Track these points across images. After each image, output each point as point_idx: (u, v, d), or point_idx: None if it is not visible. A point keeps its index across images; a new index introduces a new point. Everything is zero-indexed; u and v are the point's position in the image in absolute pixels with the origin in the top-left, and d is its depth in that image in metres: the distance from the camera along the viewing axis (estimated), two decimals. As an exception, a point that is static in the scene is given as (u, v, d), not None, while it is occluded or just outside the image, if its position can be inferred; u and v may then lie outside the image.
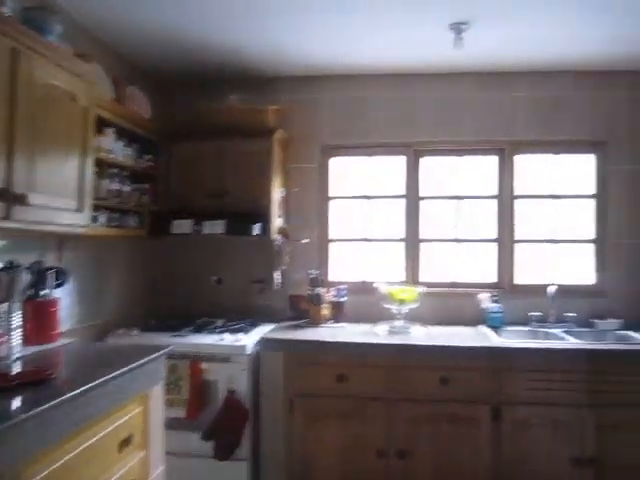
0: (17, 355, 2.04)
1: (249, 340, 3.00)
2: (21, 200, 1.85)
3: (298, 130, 3.66)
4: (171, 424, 2.65)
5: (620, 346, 3.00)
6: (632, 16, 2.77)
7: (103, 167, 2.77)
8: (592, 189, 3.64)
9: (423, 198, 3.71)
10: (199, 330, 3.19)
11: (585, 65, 3.46)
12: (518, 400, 2.86)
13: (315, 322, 3.43)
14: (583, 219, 3.66)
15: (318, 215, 3.73)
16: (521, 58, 3.35)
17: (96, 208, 2.64)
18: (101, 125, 2.69)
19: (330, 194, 3.78)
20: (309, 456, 2.95)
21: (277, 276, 3.55)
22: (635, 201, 3.53)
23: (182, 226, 3.29)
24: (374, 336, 3.13)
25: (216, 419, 2.85)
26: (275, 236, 3.42)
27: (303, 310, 3.52)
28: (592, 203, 3.63)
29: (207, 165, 3.32)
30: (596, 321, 3.42)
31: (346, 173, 3.81)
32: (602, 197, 3.60)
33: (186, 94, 3.68)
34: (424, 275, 3.70)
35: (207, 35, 3.06)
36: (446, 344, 2.95)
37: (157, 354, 2.22)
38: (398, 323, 3.32)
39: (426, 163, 3.72)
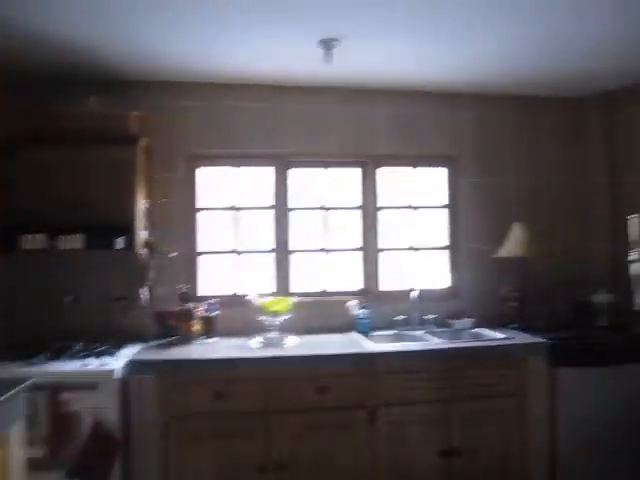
0: None
1: (117, 363, 2.78)
2: None
3: (164, 138, 3.49)
4: (31, 465, 2.35)
5: (474, 343, 3.28)
6: (470, 48, 3.09)
7: None
8: (445, 200, 3.95)
9: (292, 209, 3.74)
10: (57, 356, 2.88)
11: (437, 87, 3.77)
12: (391, 401, 2.99)
13: (186, 339, 3.28)
14: (438, 228, 3.96)
15: (186, 227, 3.59)
16: (382, 76, 3.54)
17: None
18: None
19: (198, 205, 3.65)
20: (188, 480, 2.82)
21: (143, 292, 3.34)
22: (480, 210, 3.91)
23: (34, 241, 2.96)
24: (248, 350, 3.08)
25: (82, 454, 2.59)
26: (140, 250, 3.21)
27: (172, 327, 3.35)
28: (445, 213, 3.95)
29: (63, 174, 3.02)
30: (452, 321, 3.71)
31: (215, 184, 3.71)
32: (453, 207, 3.93)
33: (41, 94, 3.29)
34: (295, 285, 3.73)
35: (60, 29, 2.77)
36: (320, 353, 3.00)
37: (14, 390, 1.95)
38: (272, 335, 3.30)
39: (294, 175, 3.76)
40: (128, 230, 3.09)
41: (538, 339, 3.25)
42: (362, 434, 2.94)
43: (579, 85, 3.83)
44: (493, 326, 3.63)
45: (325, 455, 2.91)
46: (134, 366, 2.82)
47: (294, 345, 3.18)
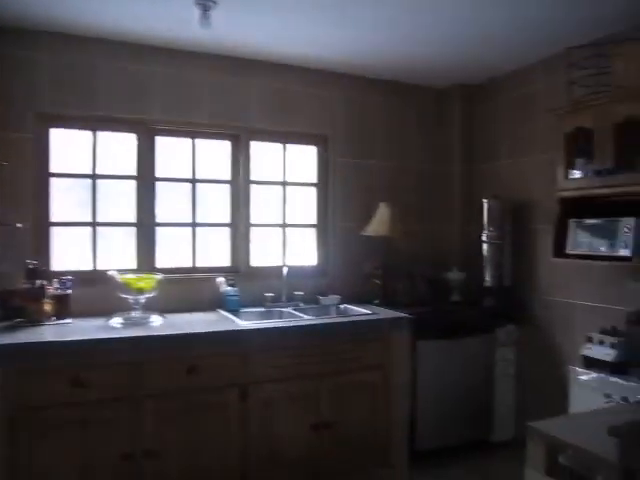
0: None
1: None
2: None
3: (9, 91, 3.05)
4: None
5: (341, 319, 3.35)
6: (346, 28, 3.12)
7: None
8: (314, 178, 3.97)
9: (159, 179, 3.51)
10: None
11: (312, 63, 3.75)
12: (262, 379, 2.95)
13: (34, 321, 2.93)
14: (309, 205, 3.97)
15: (36, 194, 3.19)
16: (258, 47, 3.44)
17: None
18: None
19: (51, 170, 3.26)
20: (41, 478, 2.53)
21: (-18, 268, 2.93)
22: (349, 190, 3.99)
23: None
24: (109, 330, 2.84)
25: None
26: (-21, 220, 2.80)
27: (18, 308, 2.97)
28: (315, 191, 3.97)
29: None
30: (320, 298, 3.76)
31: (72, 148, 3.34)
32: (323, 186, 3.96)
33: None
34: (161, 261, 3.52)
35: None
36: (189, 332, 2.86)
37: None
38: (136, 314, 3.08)
39: (162, 143, 3.52)
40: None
41: (400, 314, 3.41)
42: (234, 414, 2.87)
43: (442, 76, 4.07)
44: (359, 302, 3.76)
45: (197, 438, 2.79)
46: (-26, 353, 2.45)
47: (160, 325, 3.00)
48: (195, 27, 2.80)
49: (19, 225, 3.05)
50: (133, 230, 3.46)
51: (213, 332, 2.89)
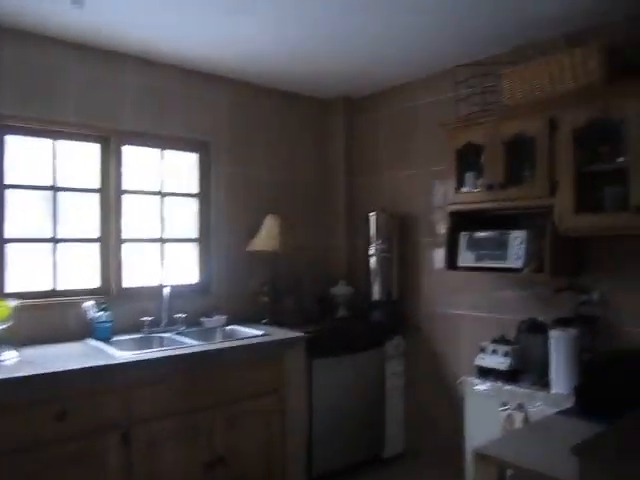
0: None
1: None
2: None
3: None
4: None
5: (231, 343, 3.03)
6: (237, 28, 2.90)
7: None
8: (195, 188, 3.63)
9: (9, 187, 2.94)
10: None
11: (195, 64, 3.43)
12: (146, 417, 2.57)
13: None
14: (188, 218, 3.62)
15: None
16: (135, 38, 3.03)
17: None
18: None
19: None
20: None
21: None
22: (233, 202, 3.71)
23: None
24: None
25: None
26: None
27: None
28: (195, 202, 3.64)
29: None
30: (204, 319, 3.43)
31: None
32: (204, 196, 3.64)
33: None
34: (12, 284, 2.93)
35: None
36: (55, 370, 2.36)
37: None
38: (-18, 350, 2.51)
39: (12, 143, 2.96)
40: None
41: (294, 334, 3.21)
42: (115, 461, 2.44)
43: (327, 88, 3.98)
44: (246, 322, 3.50)
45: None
46: None
47: (15, 362, 2.47)
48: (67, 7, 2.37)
49: None
50: (-25, 247, 2.86)
51: (84, 368, 2.42)
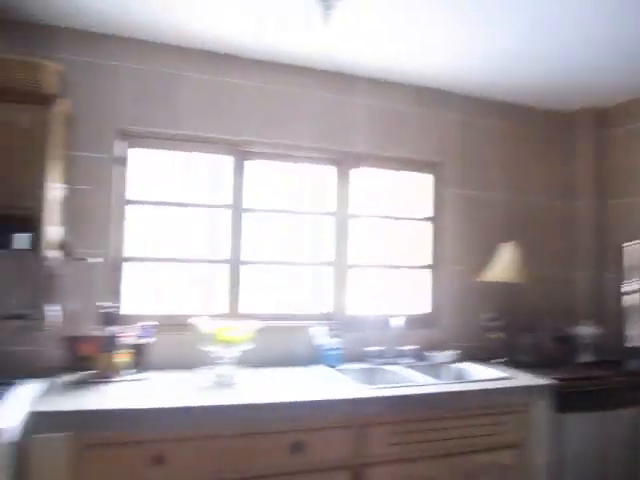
0: None
1: (9, 418, 1.88)
2: None
3: (86, 105, 2.63)
4: None
5: (469, 385, 2.68)
6: (482, 43, 2.65)
7: None
8: (430, 212, 3.40)
9: (247, 210, 3.00)
10: None
11: (426, 81, 3.24)
12: (379, 459, 2.35)
13: (106, 375, 2.42)
14: (417, 243, 3.40)
15: (112, 225, 2.71)
16: (370, 62, 2.94)
17: None
18: None
19: (129, 197, 2.80)
20: None
21: (50, 309, 2.44)
22: (465, 226, 3.40)
23: None
24: (194, 392, 2.29)
25: None
26: (49, 252, 2.32)
27: (87, 358, 2.48)
28: (427, 226, 3.40)
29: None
30: (431, 354, 3.14)
31: (147, 171, 2.88)
32: (437, 221, 3.38)
33: None
34: (246, 306, 2.97)
35: None
36: (299, 399, 2.27)
37: None
38: (222, 370, 2.53)
39: (252, 167, 3.03)
40: (33, 224, 2.20)
41: (540, 380, 2.76)
42: (346, 503, 2.27)
43: (570, 98, 3.48)
44: (476, 360, 3.13)
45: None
46: (34, 420, 1.93)
47: (253, 386, 2.44)
48: (300, 35, 2.35)
49: (94, 260, 2.58)
50: (222, 268, 2.95)
51: (329, 400, 2.30)
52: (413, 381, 2.71)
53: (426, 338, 3.22)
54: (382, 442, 2.36)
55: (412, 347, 3.09)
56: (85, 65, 2.64)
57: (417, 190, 3.40)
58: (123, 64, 2.73)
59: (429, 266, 3.37)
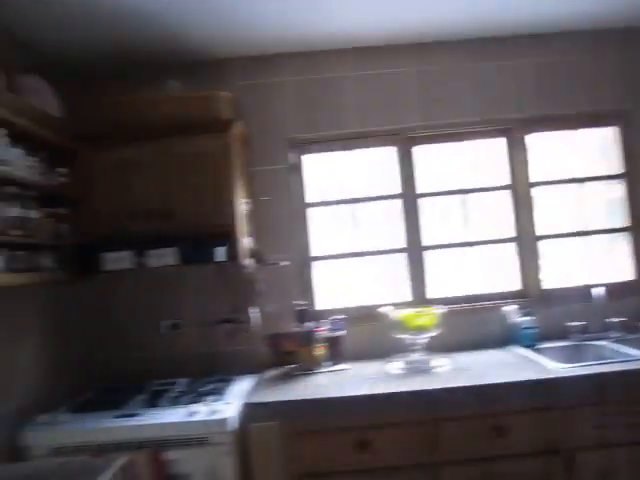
0: None
1: (228, 409, 2.15)
2: None
3: (259, 123, 2.87)
4: None
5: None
6: None
7: (-7, 185, 1.88)
8: (619, 168, 3.04)
9: (422, 195, 2.99)
10: (154, 401, 2.30)
11: (597, 23, 2.88)
12: (588, 443, 2.17)
13: (307, 367, 2.62)
14: (606, 205, 3.06)
15: (295, 228, 2.93)
16: (524, 17, 2.72)
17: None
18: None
19: (307, 200, 2.98)
20: None
21: (252, 312, 2.72)
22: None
23: (119, 260, 2.40)
24: (393, 380, 2.36)
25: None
26: (245, 260, 2.59)
27: (289, 353, 2.71)
28: (620, 184, 3.04)
29: (144, 175, 2.44)
30: (645, 325, 2.80)
31: (322, 173, 3.03)
32: (632, 176, 3.01)
33: (108, 86, 2.77)
34: (432, 291, 2.97)
35: (126, 5, 2.24)
36: (492, 382, 2.21)
37: (105, 476, 1.37)
38: (415, 357, 2.57)
39: (419, 153, 3.01)
40: (229, 238, 2.47)
41: None
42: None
43: None
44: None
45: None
46: (251, 411, 2.18)
47: (448, 371, 2.43)
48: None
49: (284, 263, 2.80)
50: (400, 257, 2.99)
51: (523, 382, 2.20)
52: (627, 356, 2.45)
53: (633, 308, 2.88)
54: (587, 424, 2.18)
55: (619, 319, 2.79)
56: (252, 87, 2.88)
57: (599, 147, 3.05)
58: (285, 78, 2.92)
59: (626, 228, 3.00)
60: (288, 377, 2.55)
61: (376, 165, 3.02)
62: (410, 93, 2.94)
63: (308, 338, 2.64)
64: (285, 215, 2.90)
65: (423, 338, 2.57)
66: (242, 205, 2.62)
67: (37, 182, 2.15)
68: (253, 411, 2.17)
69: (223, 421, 2.07)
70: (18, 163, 2.02)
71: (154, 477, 2.03)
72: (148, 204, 2.43)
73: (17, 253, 2.00)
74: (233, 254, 2.47)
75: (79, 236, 2.41)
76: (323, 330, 2.70)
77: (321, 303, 2.94)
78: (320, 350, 2.66)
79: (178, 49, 2.74)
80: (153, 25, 2.48)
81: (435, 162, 3.01)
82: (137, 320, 2.82)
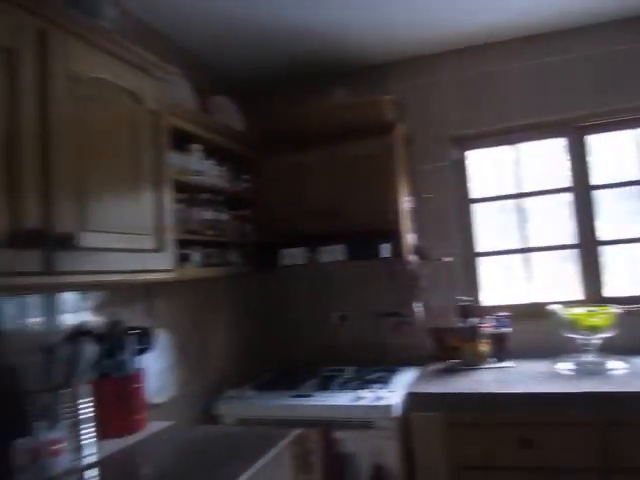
0: (90, 460, 1.47)
1: (393, 397, 2.27)
2: (67, 242, 1.28)
3: (422, 122, 2.94)
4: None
5: None
6: None
7: (192, 193, 2.23)
8: None
9: (596, 187, 2.82)
10: (326, 385, 2.51)
11: None
12: None
13: (471, 363, 2.64)
14: None
15: (459, 224, 2.95)
16: None
17: (185, 244, 2.09)
18: (183, 141, 2.14)
19: (471, 196, 2.99)
20: None
21: (416, 306, 2.81)
22: None
23: (294, 256, 2.66)
24: (561, 380, 2.28)
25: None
26: (409, 257, 2.69)
27: (452, 348, 2.74)
28: None
29: (314, 178, 2.67)
30: None
31: (485, 168, 3.01)
32: None
33: (280, 98, 3.08)
34: (611, 289, 2.78)
35: (293, 21, 2.48)
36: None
37: (281, 444, 1.58)
38: (587, 358, 2.45)
39: (592, 142, 2.83)
40: (393, 235, 2.59)
41: None
42: None
43: None
44: None
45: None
46: (414, 400, 2.28)
47: (624, 374, 2.27)
48: None
49: (447, 259, 2.85)
50: (570, 253, 2.85)
51: None
52: None
53: None
54: None
55: None
56: (412, 88, 2.96)
57: None
58: (444, 77, 2.95)
59: None
60: (451, 371, 2.60)
61: (542, 157, 2.91)
62: (579, 79, 2.76)
63: (472, 334, 2.66)
64: (448, 211, 2.93)
65: (596, 339, 2.43)
66: (405, 203, 2.72)
67: (225, 188, 2.49)
68: (416, 400, 2.27)
69: (388, 407, 2.20)
70: (210, 173, 2.36)
71: (325, 452, 2.24)
72: (318, 205, 2.64)
73: (210, 250, 2.35)
74: (397, 250, 2.58)
75: (260, 235, 2.72)
76: (488, 326, 2.69)
77: (486, 299, 2.92)
78: (484, 346, 2.66)
79: (341, 59, 2.93)
80: (319, 39, 2.69)
81: (609, 151, 2.81)
82: (310, 310, 3.08)
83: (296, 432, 1.73)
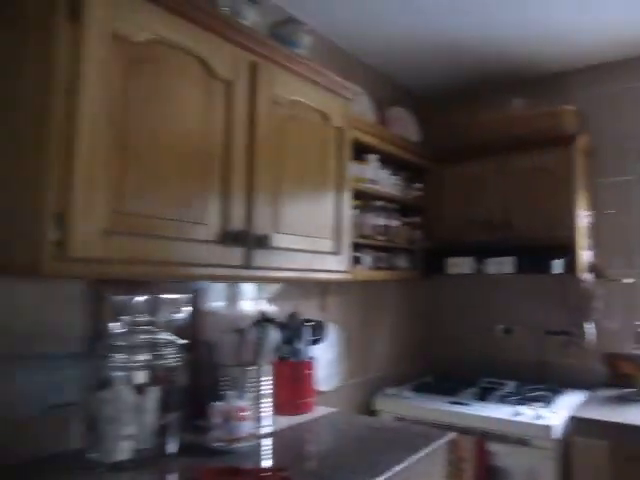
0: (266, 430, 1.70)
1: (555, 418, 2.22)
2: (263, 242, 1.52)
3: (607, 134, 2.78)
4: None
5: None
6: None
7: (366, 200, 2.40)
8: None
9: None
10: (484, 396, 2.52)
11: None
12: None
13: (647, 394, 2.45)
14: None
15: (643, 244, 2.75)
16: None
17: (358, 247, 2.26)
18: (361, 152, 2.32)
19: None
20: None
21: (588, 327, 2.68)
22: None
23: (460, 265, 2.70)
24: None
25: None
26: (583, 274, 2.58)
27: (625, 375, 2.57)
28: None
29: (485, 189, 2.69)
30: None
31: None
32: None
33: (455, 108, 3.12)
34: None
35: (470, 34, 2.51)
36: None
37: (437, 443, 1.67)
38: None
39: None
40: (567, 250, 2.50)
41: None
42: None
43: None
44: None
45: None
46: (578, 425, 2.19)
47: None
48: None
49: (628, 280, 2.67)
50: None
51: None
52: None
53: None
54: None
55: None
56: (596, 97, 2.81)
57: None
58: (633, 85, 2.75)
59: None
60: (624, 399, 2.44)
61: None
62: None
63: (651, 362, 2.47)
64: (632, 229, 2.73)
65: None
66: (583, 218, 2.61)
67: (398, 196, 2.62)
68: (581, 426, 2.18)
69: (547, 427, 2.15)
70: (385, 182, 2.51)
71: (477, 462, 2.26)
72: (489, 215, 2.66)
73: (380, 254, 2.50)
74: (571, 267, 2.49)
75: (428, 242, 2.81)
76: (670, 357, 2.48)
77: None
78: (665, 378, 2.46)
79: (518, 69, 2.89)
80: (495, 51, 2.69)
81: None
82: (473, 320, 3.08)
83: (452, 435, 1.79)
